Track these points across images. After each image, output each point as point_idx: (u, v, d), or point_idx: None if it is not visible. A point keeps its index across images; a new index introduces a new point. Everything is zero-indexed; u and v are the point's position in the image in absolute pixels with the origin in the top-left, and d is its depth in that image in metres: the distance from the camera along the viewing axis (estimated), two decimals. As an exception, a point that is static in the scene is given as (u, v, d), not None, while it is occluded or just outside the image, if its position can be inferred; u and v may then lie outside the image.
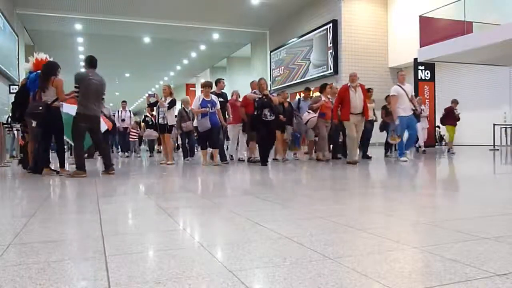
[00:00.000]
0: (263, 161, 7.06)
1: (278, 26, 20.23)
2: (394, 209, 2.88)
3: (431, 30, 12.65)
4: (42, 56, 6.13)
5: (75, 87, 5.56)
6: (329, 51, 16.43)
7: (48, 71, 5.57)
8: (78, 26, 19.56)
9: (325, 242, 1.86)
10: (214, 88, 8.05)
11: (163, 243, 1.97)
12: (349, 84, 7.26)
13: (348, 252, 1.69)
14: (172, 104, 7.99)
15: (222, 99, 7.77)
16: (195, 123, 7.56)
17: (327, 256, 1.62)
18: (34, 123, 5.69)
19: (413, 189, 4.17)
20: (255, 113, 7.19)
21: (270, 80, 20.70)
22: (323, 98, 8.24)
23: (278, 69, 20.54)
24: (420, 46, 12.54)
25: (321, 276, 1.39)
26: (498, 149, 11.26)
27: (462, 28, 11.60)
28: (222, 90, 8.13)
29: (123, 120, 12.20)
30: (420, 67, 14.51)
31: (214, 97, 7.41)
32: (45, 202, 3.32)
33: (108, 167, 5.76)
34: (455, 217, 2.54)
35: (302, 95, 9.16)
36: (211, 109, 7.21)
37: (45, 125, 5.52)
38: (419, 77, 14.78)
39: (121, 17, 18.38)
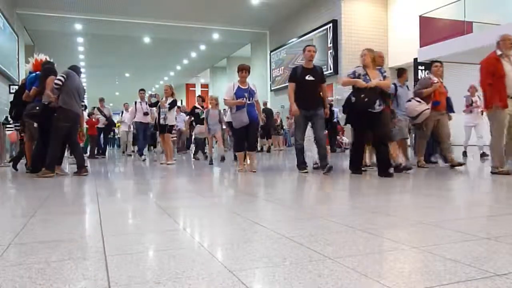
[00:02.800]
0: (385, 171, 4.81)
1: (278, 26, 20.23)
2: None
3: (431, 30, 12.66)
4: (42, 57, 6.14)
5: (62, 77, 5.43)
6: (329, 51, 16.45)
7: (46, 72, 5.58)
8: (78, 26, 19.56)
9: (325, 242, 1.85)
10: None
11: (163, 243, 1.97)
12: (499, 53, 4.85)
13: (348, 252, 1.69)
14: (173, 104, 7.97)
15: (312, 78, 5.42)
16: (227, 118, 6.19)
17: (327, 256, 1.62)
18: (35, 124, 5.71)
19: None
20: (352, 99, 4.97)
21: (270, 80, 20.71)
22: (434, 79, 6.10)
23: (278, 69, 20.55)
24: (420, 46, 12.55)
25: (321, 276, 1.39)
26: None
27: (462, 28, 11.61)
28: (314, 64, 5.60)
29: (146, 114, 9.71)
30: (420, 67, 14.51)
31: (252, 85, 5.92)
32: (45, 202, 3.32)
33: (81, 168, 5.63)
34: (455, 217, 2.54)
35: (396, 79, 6.40)
36: (249, 100, 5.72)
37: (45, 125, 5.52)
38: (419, 77, 14.77)
39: (121, 17, 18.39)
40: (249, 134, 5.81)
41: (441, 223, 2.25)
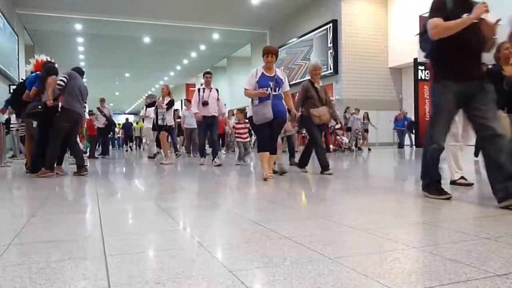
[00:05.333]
0: None
1: (278, 26, 20.24)
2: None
3: (431, 30, 12.66)
4: (43, 57, 6.15)
5: (64, 77, 5.47)
6: (329, 51, 16.45)
7: (47, 71, 5.60)
8: (78, 26, 19.59)
9: (325, 242, 1.86)
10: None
11: (163, 243, 1.97)
12: None
13: (348, 252, 1.69)
14: (171, 104, 7.97)
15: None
16: (249, 112, 4.93)
17: (327, 256, 1.62)
18: (34, 124, 5.71)
19: None
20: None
21: (270, 80, 20.72)
22: None
23: (278, 69, 20.54)
24: (420, 46, 12.53)
25: (321, 276, 1.39)
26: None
27: (462, 28, 11.59)
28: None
29: (205, 104, 7.10)
30: (420, 67, 14.50)
31: (279, 73, 4.84)
32: (45, 202, 3.32)
33: (81, 168, 5.64)
34: (455, 217, 2.54)
35: None
36: (274, 91, 4.64)
37: (45, 125, 5.52)
38: (419, 77, 14.76)
39: (121, 17, 18.41)
40: (272, 132, 4.70)
41: (440, 224, 2.25)
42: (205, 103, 7.04)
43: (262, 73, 4.69)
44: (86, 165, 5.85)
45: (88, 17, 18.31)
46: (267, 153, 4.71)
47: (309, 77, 5.55)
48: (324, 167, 5.26)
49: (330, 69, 16.28)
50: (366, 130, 14.19)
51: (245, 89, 4.72)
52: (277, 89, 4.66)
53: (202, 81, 7.34)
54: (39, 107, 5.48)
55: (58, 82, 5.42)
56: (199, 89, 7.21)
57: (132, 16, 18.45)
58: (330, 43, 16.35)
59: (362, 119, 13.80)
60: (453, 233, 2.01)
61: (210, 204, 3.21)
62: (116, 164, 9.09)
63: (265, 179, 4.55)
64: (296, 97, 5.54)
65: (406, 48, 15.06)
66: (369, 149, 13.45)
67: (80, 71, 5.94)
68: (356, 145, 13.73)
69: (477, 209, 2.83)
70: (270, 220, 2.42)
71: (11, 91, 14.00)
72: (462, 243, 1.80)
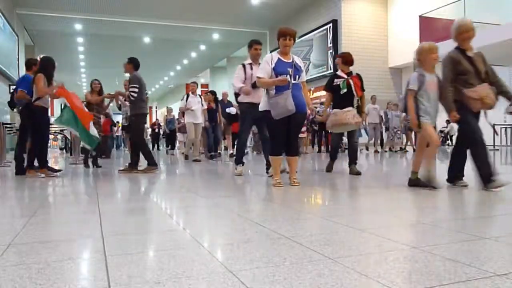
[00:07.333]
0: None
1: (278, 26, 20.16)
2: (394, 209, 2.85)
3: (431, 30, 12.68)
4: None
5: (134, 87, 5.90)
6: (329, 51, 16.45)
7: (40, 68, 5.52)
8: (78, 26, 19.58)
9: (325, 242, 1.86)
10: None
11: (163, 243, 1.97)
12: None
13: (348, 252, 1.69)
14: None
15: None
16: (262, 106, 4.07)
17: (327, 256, 1.62)
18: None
19: None
20: None
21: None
22: None
23: (295, 55, 20.52)
24: (420, 46, 12.54)
25: (321, 276, 1.39)
26: (498, 149, 11.26)
27: (462, 28, 11.61)
28: None
29: (255, 86, 4.95)
30: (420, 67, 14.42)
31: (297, 59, 4.11)
32: (45, 202, 3.32)
33: (152, 165, 6.03)
34: (455, 217, 2.54)
35: None
36: (294, 79, 3.93)
37: (34, 125, 5.45)
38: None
39: (121, 17, 18.41)
40: (291, 130, 4.01)
41: (440, 223, 2.25)
42: (255, 85, 4.77)
43: (279, 58, 3.99)
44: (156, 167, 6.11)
45: (88, 17, 18.30)
46: (281, 157, 4.10)
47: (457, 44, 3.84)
48: (487, 177, 3.42)
49: (330, 69, 16.27)
50: (411, 129, 13.09)
51: (259, 78, 3.99)
52: (296, 77, 3.96)
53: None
54: (19, 107, 5.66)
55: (132, 94, 5.87)
56: (244, 65, 5.32)
57: (132, 16, 18.45)
58: (330, 43, 16.36)
59: (402, 116, 11.93)
60: (453, 233, 2.01)
61: (210, 205, 3.21)
62: (119, 164, 9.08)
63: (276, 184, 3.97)
64: (442, 74, 3.80)
65: (406, 48, 15.04)
66: (401, 149, 12.28)
67: (138, 66, 6.36)
68: (391, 147, 12.33)
69: (477, 208, 2.83)
70: (270, 220, 2.42)
71: (11, 91, 14.01)
72: (462, 243, 1.80)
